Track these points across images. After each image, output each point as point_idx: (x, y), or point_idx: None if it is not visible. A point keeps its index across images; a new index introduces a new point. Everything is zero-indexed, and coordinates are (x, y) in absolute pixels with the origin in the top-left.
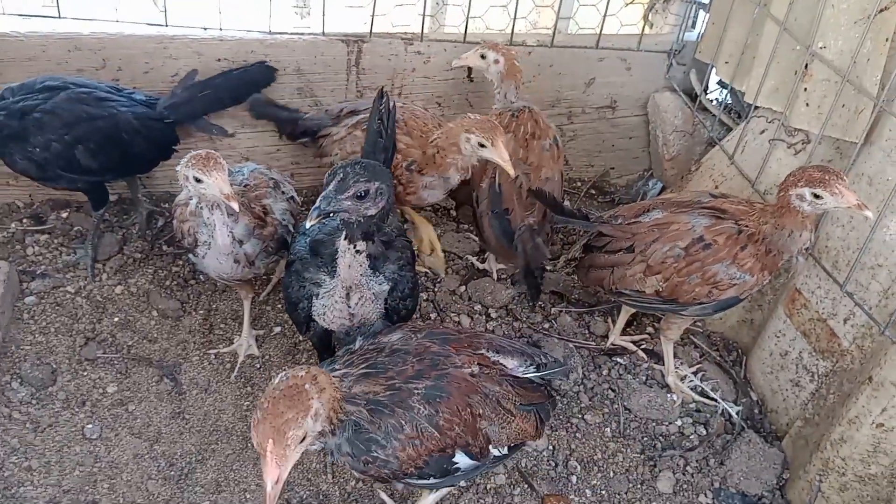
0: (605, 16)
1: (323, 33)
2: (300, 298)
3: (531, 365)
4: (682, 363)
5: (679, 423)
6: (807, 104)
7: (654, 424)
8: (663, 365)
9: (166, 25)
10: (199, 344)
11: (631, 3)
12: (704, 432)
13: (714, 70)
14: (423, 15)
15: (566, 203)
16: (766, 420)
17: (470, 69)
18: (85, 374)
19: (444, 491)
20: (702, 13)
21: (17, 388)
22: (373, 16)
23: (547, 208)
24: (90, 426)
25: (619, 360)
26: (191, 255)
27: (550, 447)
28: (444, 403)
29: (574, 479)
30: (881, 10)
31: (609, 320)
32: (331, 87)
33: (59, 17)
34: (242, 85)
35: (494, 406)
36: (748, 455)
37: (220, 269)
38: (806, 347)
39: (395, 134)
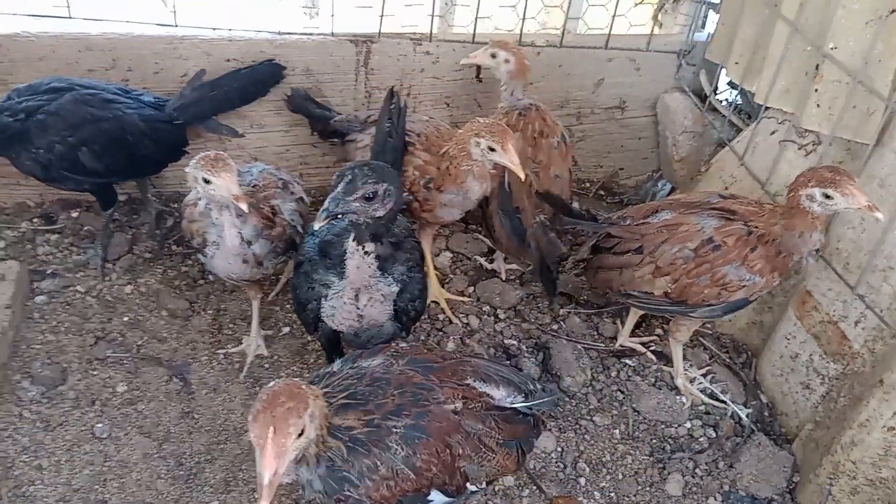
0: (614, 16)
1: (332, 33)
2: (309, 299)
3: (519, 395)
4: (691, 365)
5: (688, 425)
6: (818, 105)
7: (663, 426)
8: (672, 367)
9: (176, 26)
10: (208, 344)
11: (640, 3)
12: (714, 435)
13: (724, 70)
14: (432, 15)
15: (575, 204)
16: (776, 423)
17: (479, 69)
18: (95, 373)
19: None
20: (712, 13)
21: (27, 387)
22: (382, 16)
23: (555, 209)
24: (100, 425)
25: (627, 361)
26: (200, 256)
27: (559, 449)
28: (423, 444)
29: (583, 480)
30: (893, 11)
31: (618, 322)
32: (340, 87)
33: (70, 17)
34: (251, 84)
35: (475, 445)
36: (758, 458)
37: (229, 269)
38: (816, 350)
39: (405, 134)
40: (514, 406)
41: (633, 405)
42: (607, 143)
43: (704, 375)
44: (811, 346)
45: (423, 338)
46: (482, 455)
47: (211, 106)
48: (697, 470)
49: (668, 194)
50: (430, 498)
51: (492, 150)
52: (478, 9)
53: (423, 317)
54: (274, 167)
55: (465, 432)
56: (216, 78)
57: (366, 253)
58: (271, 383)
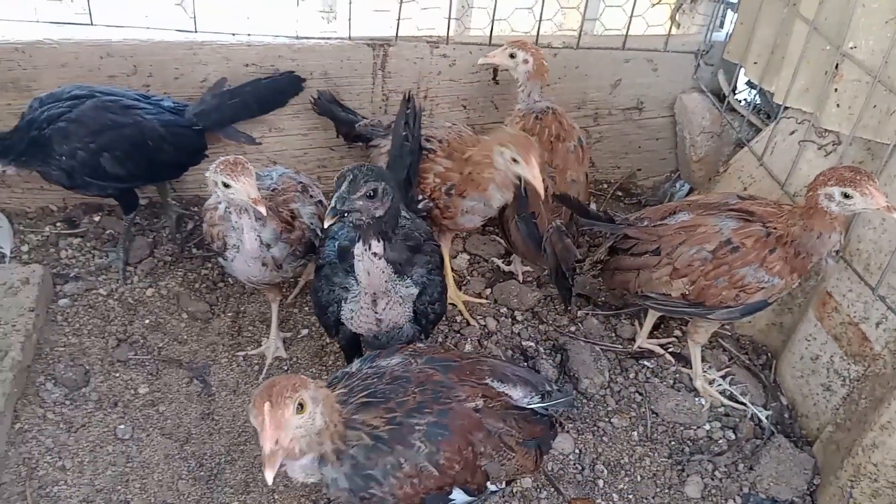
0: (631, 17)
1: (349, 37)
2: (329, 302)
3: (536, 395)
4: (710, 367)
5: (707, 427)
6: (837, 105)
7: (681, 428)
8: (691, 368)
9: (195, 32)
10: (228, 346)
11: (658, 3)
12: (733, 437)
13: (742, 70)
14: (449, 18)
15: (592, 205)
16: (797, 425)
17: (496, 70)
18: (117, 375)
19: None
20: (730, 13)
21: (51, 389)
22: (398, 19)
23: (572, 211)
24: (122, 426)
25: (646, 363)
26: (220, 259)
27: (577, 450)
28: (446, 442)
29: (601, 482)
30: None
31: (636, 323)
32: (357, 90)
33: (92, 24)
34: (270, 94)
35: (496, 443)
36: (778, 460)
37: (249, 272)
38: (837, 351)
39: (420, 137)
40: (531, 406)
41: (652, 407)
42: (625, 144)
43: (724, 377)
44: (832, 347)
45: (440, 339)
46: (502, 454)
47: (230, 113)
48: (717, 472)
49: (686, 195)
50: (451, 497)
51: (515, 161)
52: (494, 11)
53: (442, 319)
54: (294, 171)
55: (486, 430)
56: (237, 86)
57: (374, 254)
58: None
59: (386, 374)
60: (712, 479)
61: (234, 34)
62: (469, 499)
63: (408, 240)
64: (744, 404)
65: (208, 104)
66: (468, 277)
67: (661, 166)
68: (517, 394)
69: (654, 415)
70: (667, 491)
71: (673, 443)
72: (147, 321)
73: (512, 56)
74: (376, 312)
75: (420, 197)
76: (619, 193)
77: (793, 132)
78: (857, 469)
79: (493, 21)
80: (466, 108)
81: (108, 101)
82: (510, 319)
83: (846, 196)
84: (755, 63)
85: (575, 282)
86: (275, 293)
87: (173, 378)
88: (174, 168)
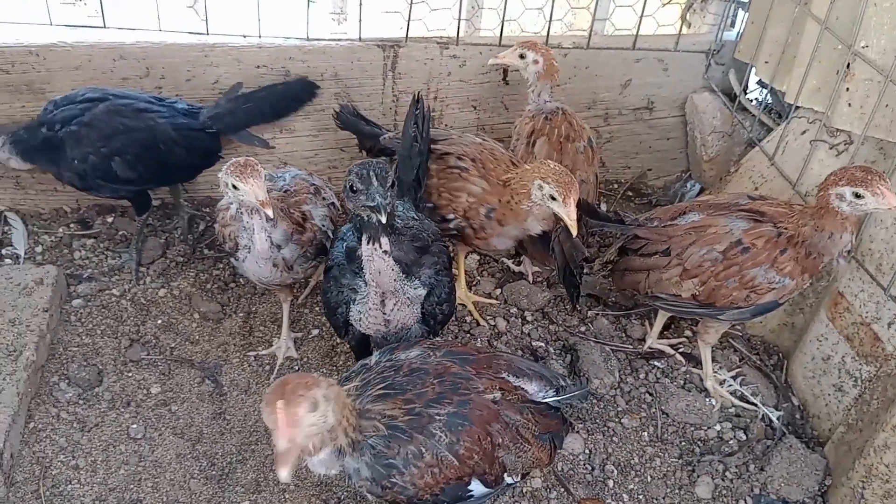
0: (641, 16)
1: (360, 39)
2: (338, 303)
3: (550, 389)
4: (720, 367)
5: (718, 427)
6: (849, 104)
7: (692, 429)
8: (701, 369)
9: (207, 34)
10: (240, 346)
11: (668, 3)
12: (744, 437)
13: (753, 70)
14: (459, 19)
15: (602, 206)
16: (808, 425)
17: (506, 71)
18: (130, 375)
19: None
20: (741, 12)
21: (64, 389)
22: (409, 20)
23: (581, 213)
24: (135, 426)
25: (656, 363)
26: (231, 259)
27: (587, 451)
28: (466, 432)
29: (611, 483)
30: None
31: (646, 323)
32: (367, 91)
33: (105, 27)
34: (284, 99)
35: (513, 435)
36: (789, 461)
37: (260, 272)
38: (849, 352)
39: (429, 138)
40: (546, 401)
41: (662, 407)
42: (635, 143)
43: (734, 377)
44: (843, 347)
45: (450, 339)
46: (519, 446)
47: (244, 117)
48: (727, 473)
49: (697, 195)
50: (470, 487)
51: (553, 198)
52: (504, 11)
53: (451, 320)
54: (307, 173)
55: (504, 422)
56: (251, 91)
57: (385, 252)
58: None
59: (403, 366)
60: (723, 480)
61: (245, 36)
62: (486, 490)
63: (416, 240)
64: (755, 405)
65: (223, 108)
66: (478, 278)
67: (672, 166)
68: (532, 388)
69: (665, 415)
70: (677, 491)
71: (683, 443)
72: (159, 321)
73: (522, 56)
74: (384, 313)
75: (451, 216)
76: (630, 193)
77: (804, 132)
78: (868, 470)
79: (503, 22)
80: (476, 109)
81: (121, 104)
82: (520, 320)
83: (857, 196)
84: (766, 62)
85: (583, 280)
86: (286, 294)
87: (185, 378)
88: (187, 171)
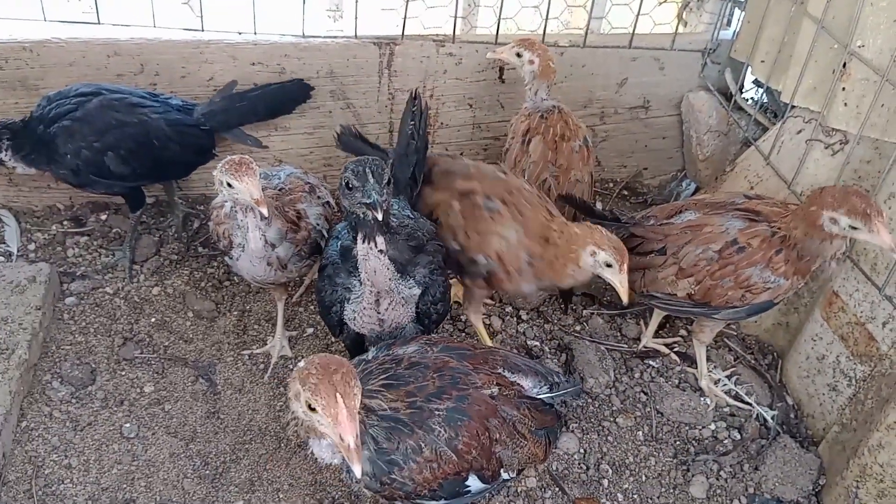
0: (638, 15)
1: (355, 36)
2: (333, 302)
3: (545, 385)
4: (715, 366)
5: (713, 427)
6: (845, 104)
7: (687, 428)
8: (696, 368)
9: (202, 31)
10: (234, 345)
11: (665, 1)
12: (739, 437)
13: (750, 69)
14: (455, 17)
15: (598, 204)
16: (802, 425)
17: (502, 69)
18: (123, 373)
19: None
20: (737, 11)
21: (57, 388)
22: (405, 18)
23: (577, 211)
24: (128, 425)
25: (651, 362)
26: (226, 258)
27: (582, 450)
28: (465, 427)
29: (605, 482)
30: None
31: (641, 322)
32: (363, 89)
33: (99, 23)
34: (278, 99)
35: (510, 431)
36: (783, 460)
37: (254, 271)
38: (843, 351)
39: (427, 136)
40: (541, 396)
41: (657, 407)
42: (631, 142)
43: (729, 377)
44: (838, 347)
45: (445, 336)
46: (516, 441)
47: (238, 116)
48: (722, 472)
49: (693, 194)
50: (467, 483)
51: (608, 266)
52: (500, 9)
53: (445, 319)
54: (302, 171)
55: (501, 417)
56: (246, 90)
57: (380, 251)
58: (305, 360)
59: (403, 360)
60: (717, 480)
61: (240, 33)
62: (483, 486)
63: (410, 239)
64: (749, 404)
65: (217, 105)
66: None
67: (668, 165)
68: (528, 384)
69: (660, 414)
70: (672, 491)
71: (678, 443)
72: (153, 319)
73: (518, 55)
74: (379, 313)
75: (483, 259)
76: (626, 192)
77: (800, 131)
78: (862, 469)
79: (499, 19)
80: (472, 107)
81: (114, 99)
82: (515, 319)
83: (853, 227)
84: (762, 62)
85: None
86: (280, 292)
87: (179, 377)
88: (181, 167)
